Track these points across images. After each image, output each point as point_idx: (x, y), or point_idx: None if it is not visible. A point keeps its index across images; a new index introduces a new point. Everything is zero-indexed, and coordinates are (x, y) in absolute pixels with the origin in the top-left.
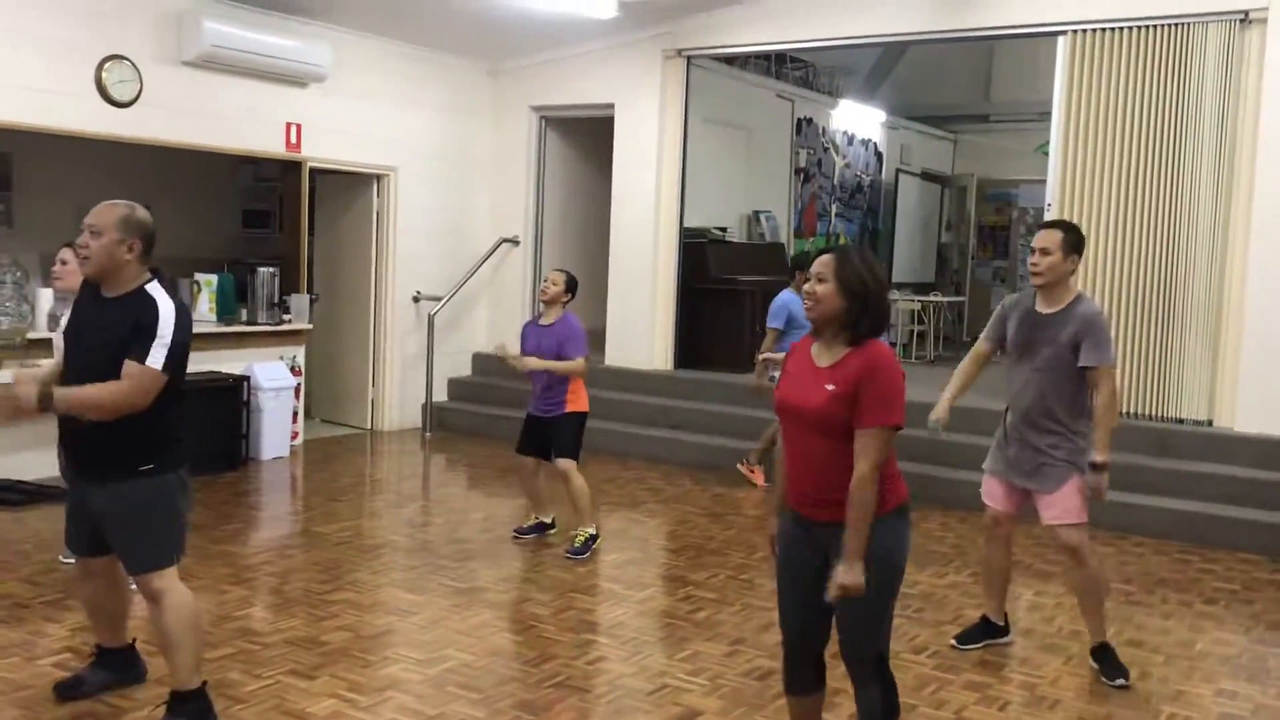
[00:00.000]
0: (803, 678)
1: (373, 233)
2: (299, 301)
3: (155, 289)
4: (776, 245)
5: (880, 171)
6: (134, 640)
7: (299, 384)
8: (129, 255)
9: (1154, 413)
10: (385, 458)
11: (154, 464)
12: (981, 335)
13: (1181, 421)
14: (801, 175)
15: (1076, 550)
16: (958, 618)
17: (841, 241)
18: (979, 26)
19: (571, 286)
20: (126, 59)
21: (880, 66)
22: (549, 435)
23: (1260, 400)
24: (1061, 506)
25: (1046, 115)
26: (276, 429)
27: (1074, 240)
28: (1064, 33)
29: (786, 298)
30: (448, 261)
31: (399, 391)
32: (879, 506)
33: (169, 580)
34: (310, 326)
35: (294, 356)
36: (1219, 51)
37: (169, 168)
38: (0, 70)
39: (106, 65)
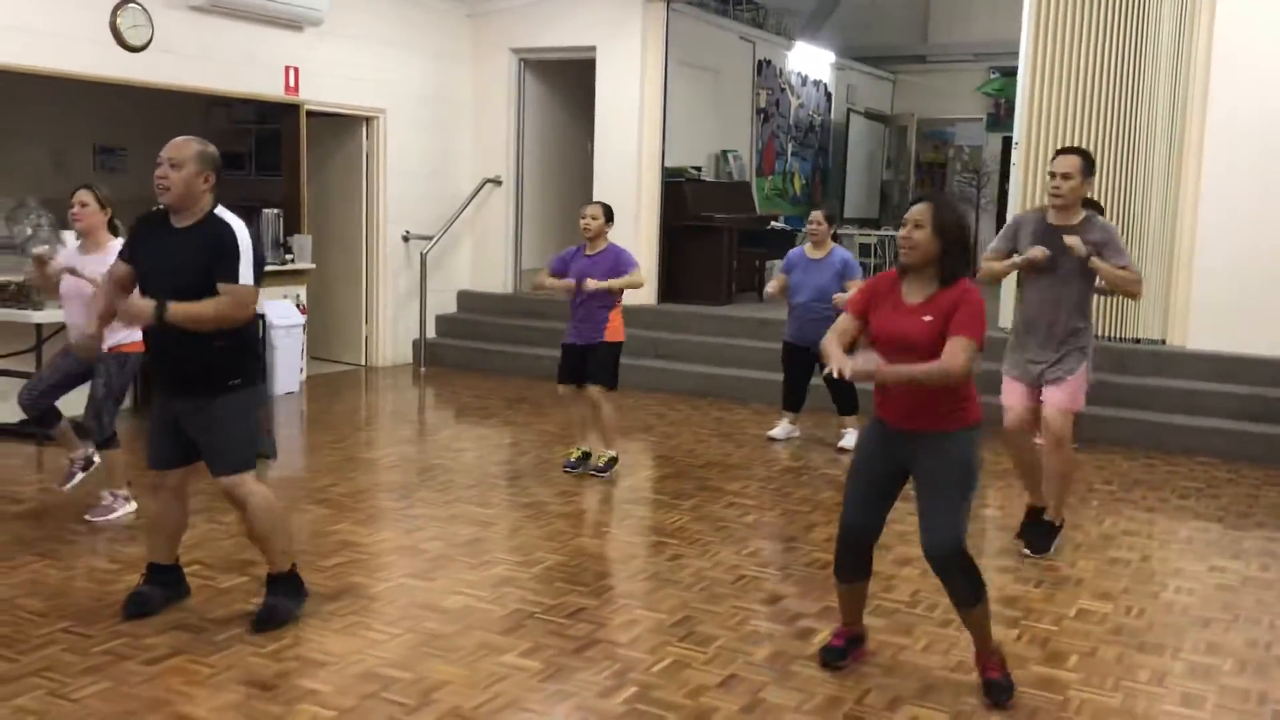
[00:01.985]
0: (853, 565)
1: (363, 174)
2: (301, 242)
3: (224, 212)
4: (744, 184)
5: (829, 111)
6: (178, 560)
7: (304, 322)
8: (204, 186)
9: (1113, 334)
10: (390, 391)
11: (241, 379)
12: (992, 246)
13: (1138, 341)
14: (762, 115)
15: (1061, 438)
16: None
17: (795, 180)
18: None
19: (610, 215)
20: (138, 4)
21: (823, 7)
22: (586, 361)
23: (1209, 320)
24: (1067, 393)
25: (982, 56)
26: (287, 365)
27: (1089, 164)
28: None
29: None
30: (434, 201)
31: (391, 329)
32: (960, 420)
33: (250, 484)
34: (313, 266)
35: (298, 295)
36: None
37: (141, 111)
38: (17, 14)
39: (120, 10)
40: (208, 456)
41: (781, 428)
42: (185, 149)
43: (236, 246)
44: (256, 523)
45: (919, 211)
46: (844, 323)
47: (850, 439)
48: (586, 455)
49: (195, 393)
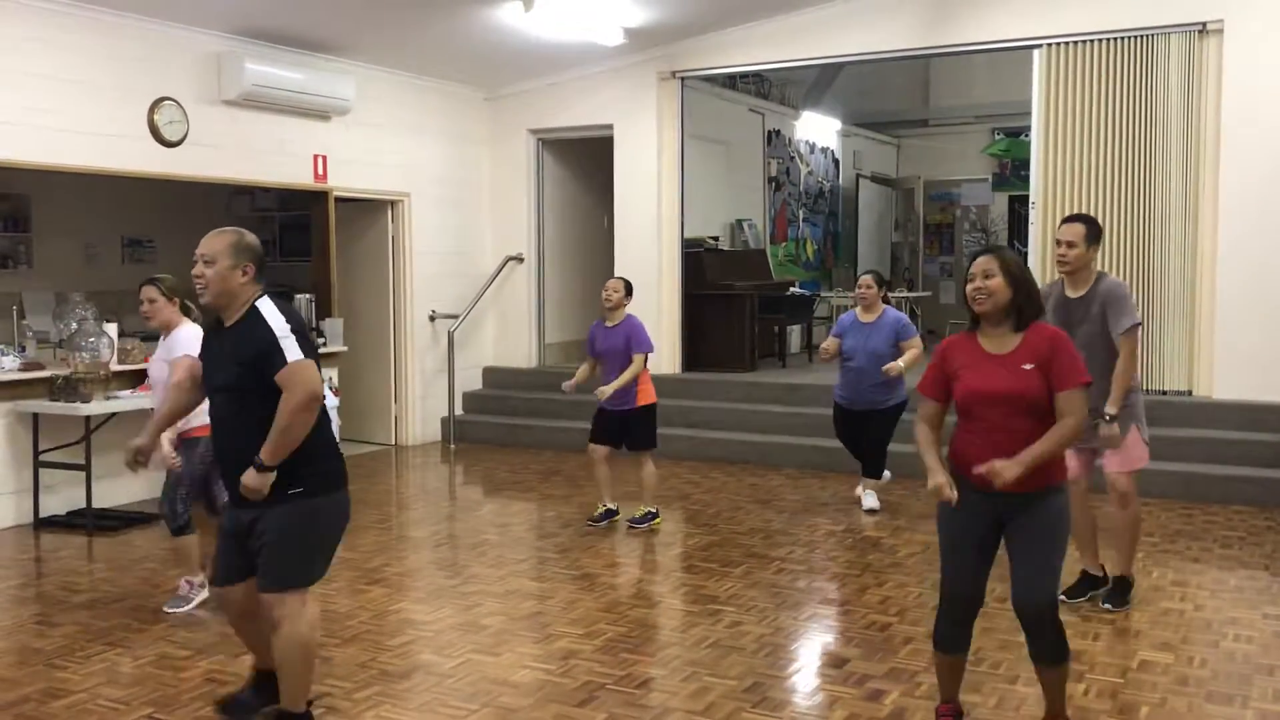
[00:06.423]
0: (956, 636)
1: (389, 256)
2: (333, 325)
3: (262, 302)
4: (759, 251)
5: (838, 177)
6: None
7: (338, 404)
8: (243, 279)
9: (1139, 387)
10: (425, 469)
11: (303, 487)
12: None
13: (1165, 393)
14: (773, 184)
15: (1126, 495)
16: None
17: (808, 245)
18: (960, 43)
19: (629, 290)
20: (174, 100)
21: (823, 77)
22: (624, 428)
23: (1234, 370)
24: (1125, 456)
25: (983, 119)
26: None
27: (1094, 231)
28: (1039, 46)
29: None
30: (458, 281)
31: (420, 407)
32: (1053, 476)
33: (291, 607)
34: (345, 349)
35: (331, 378)
36: (1181, 59)
37: (166, 202)
38: (63, 116)
39: (157, 107)
40: (259, 568)
41: (872, 496)
42: (217, 243)
43: (271, 334)
44: (280, 650)
45: (986, 262)
46: (926, 412)
47: (872, 499)
48: (609, 511)
49: (253, 501)
